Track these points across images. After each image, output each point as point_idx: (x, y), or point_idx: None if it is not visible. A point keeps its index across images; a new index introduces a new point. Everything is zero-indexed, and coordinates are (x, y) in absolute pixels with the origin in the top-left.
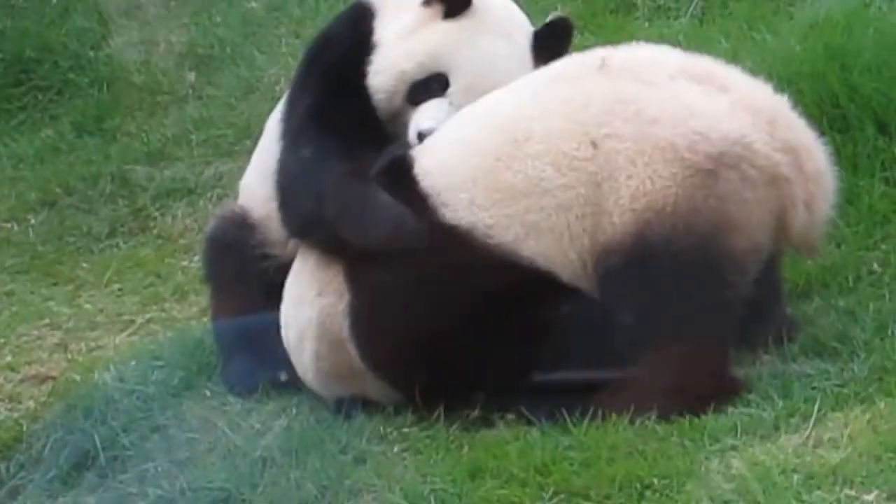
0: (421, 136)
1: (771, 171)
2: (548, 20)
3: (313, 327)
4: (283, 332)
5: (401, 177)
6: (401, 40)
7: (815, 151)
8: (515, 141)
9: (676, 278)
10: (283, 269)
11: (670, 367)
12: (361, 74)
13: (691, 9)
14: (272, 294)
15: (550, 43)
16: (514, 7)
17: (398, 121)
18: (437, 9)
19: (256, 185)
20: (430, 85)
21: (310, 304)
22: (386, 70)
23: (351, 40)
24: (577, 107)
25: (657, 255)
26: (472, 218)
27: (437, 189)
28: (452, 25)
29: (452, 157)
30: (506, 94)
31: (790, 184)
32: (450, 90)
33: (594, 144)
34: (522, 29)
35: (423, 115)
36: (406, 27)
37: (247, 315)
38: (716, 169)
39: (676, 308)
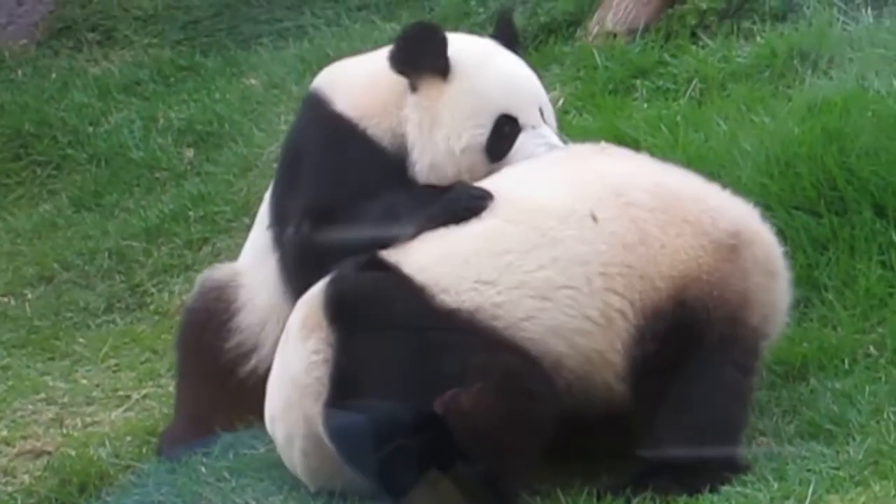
0: None
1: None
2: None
3: (301, 427)
4: (270, 429)
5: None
6: (428, 131)
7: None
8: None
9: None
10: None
11: (689, 440)
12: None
13: (690, 90)
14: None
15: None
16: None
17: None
18: (436, 81)
19: (252, 263)
20: (502, 130)
21: (298, 405)
22: (438, 163)
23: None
24: (587, 178)
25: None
26: (477, 298)
27: (436, 278)
28: (456, 80)
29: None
30: (504, 181)
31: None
32: (521, 121)
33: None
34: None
35: (532, 145)
36: (419, 121)
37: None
38: (738, 244)
39: (711, 378)
